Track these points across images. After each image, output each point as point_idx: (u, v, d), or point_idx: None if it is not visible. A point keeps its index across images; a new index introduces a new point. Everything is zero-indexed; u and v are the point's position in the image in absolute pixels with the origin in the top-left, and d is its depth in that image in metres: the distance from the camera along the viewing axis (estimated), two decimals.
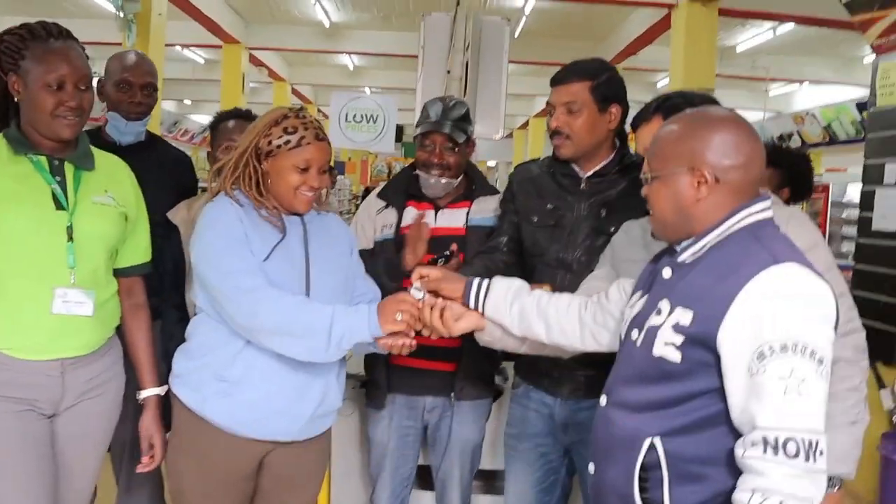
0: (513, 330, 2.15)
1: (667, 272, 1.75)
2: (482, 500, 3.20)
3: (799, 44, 13.68)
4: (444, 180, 2.75)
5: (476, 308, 2.16)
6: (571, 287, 2.31)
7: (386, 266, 2.68)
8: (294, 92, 20.96)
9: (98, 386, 2.29)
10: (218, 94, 15.72)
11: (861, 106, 13.92)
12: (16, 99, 2.19)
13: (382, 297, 2.31)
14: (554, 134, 2.51)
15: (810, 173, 4.24)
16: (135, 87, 2.91)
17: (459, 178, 2.81)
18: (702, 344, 1.59)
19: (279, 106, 2.32)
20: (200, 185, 3.21)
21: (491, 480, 3.19)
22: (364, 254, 2.74)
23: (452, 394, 2.78)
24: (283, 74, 19.10)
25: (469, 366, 2.77)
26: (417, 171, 2.80)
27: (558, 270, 2.52)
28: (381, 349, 2.23)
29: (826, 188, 9.03)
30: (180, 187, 2.94)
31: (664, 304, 1.69)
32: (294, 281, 2.22)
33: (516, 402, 2.72)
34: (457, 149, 2.73)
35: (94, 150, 2.32)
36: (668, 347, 1.63)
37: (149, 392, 2.40)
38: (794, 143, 17.88)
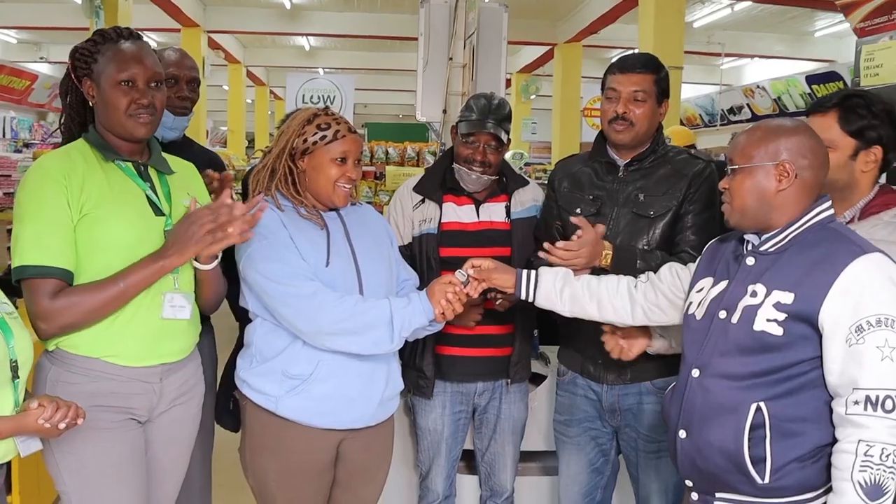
0: (563, 313, 2.39)
1: (750, 260, 2.00)
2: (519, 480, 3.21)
3: (752, 20, 14.02)
4: (485, 177, 2.80)
5: (527, 298, 2.37)
6: None
7: None
8: (248, 74, 20.78)
9: (187, 392, 2.30)
10: None
11: (810, 79, 14.38)
12: (91, 104, 2.21)
13: None
14: (616, 119, 2.62)
15: None
16: (181, 81, 2.87)
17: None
18: (803, 320, 1.86)
19: (305, 108, 2.44)
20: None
21: (529, 461, 3.25)
22: (402, 250, 2.79)
23: (508, 379, 2.89)
24: (238, 56, 18.92)
25: (521, 351, 2.91)
26: (457, 165, 2.83)
27: None
28: (437, 325, 2.40)
29: None
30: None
31: (759, 288, 1.94)
32: (348, 278, 2.35)
33: (563, 390, 2.84)
34: (500, 148, 2.80)
35: (164, 154, 2.34)
36: (770, 323, 1.88)
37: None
38: (745, 115, 18.36)
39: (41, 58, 17.41)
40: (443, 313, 2.31)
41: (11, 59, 17.03)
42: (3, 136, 14.39)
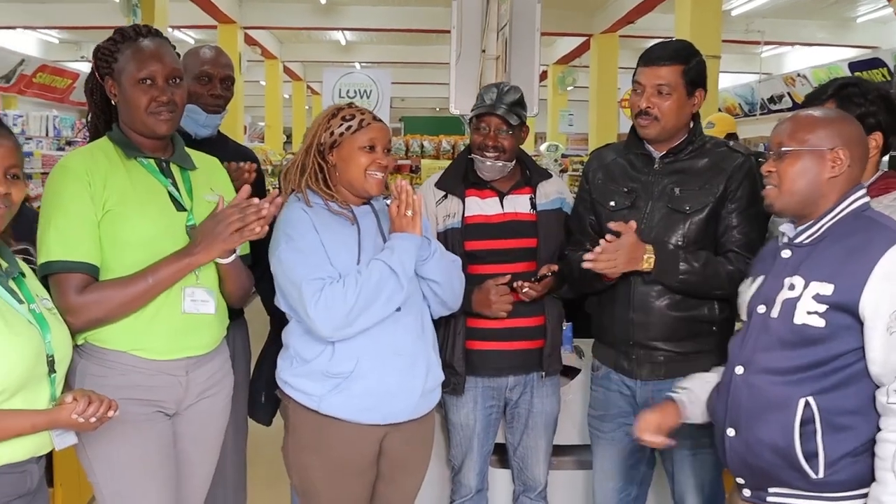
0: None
1: (786, 253, 1.99)
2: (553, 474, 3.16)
3: (793, 6, 13.77)
4: (499, 163, 2.77)
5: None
6: None
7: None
8: (285, 70, 20.92)
9: (214, 385, 2.33)
10: None
11: (853, 66, 14.10)
12: (113, 102, 2.24)
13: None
14: (641, 114, 2.56)
15: None
16: (215, 79, 2.91)
17: (513, 162, 2.85)
18: (844, 310, 1.84)
19: (331, 105, 2.47)
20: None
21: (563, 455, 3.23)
22: None
23: (543, 372, 2.88)
24: (275, 52, 19.04)
25: (553, 343, 2.88)
26: (472, 155, 2.82)
27: None
28: (431, 256, 2.41)
29: None
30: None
31: (796, 281, 1.92)
32: None
33: (598, 385, 2.80)
34: (511, 132, 2.79)
35: (188, 149, 2.36)
36: (811, 316, 1.87)
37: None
38: (785, 104, 18.08)
39: (82, 57, 17.65)
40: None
41: (53, 58, 17.32)
42: (47, 134, 14.62)
